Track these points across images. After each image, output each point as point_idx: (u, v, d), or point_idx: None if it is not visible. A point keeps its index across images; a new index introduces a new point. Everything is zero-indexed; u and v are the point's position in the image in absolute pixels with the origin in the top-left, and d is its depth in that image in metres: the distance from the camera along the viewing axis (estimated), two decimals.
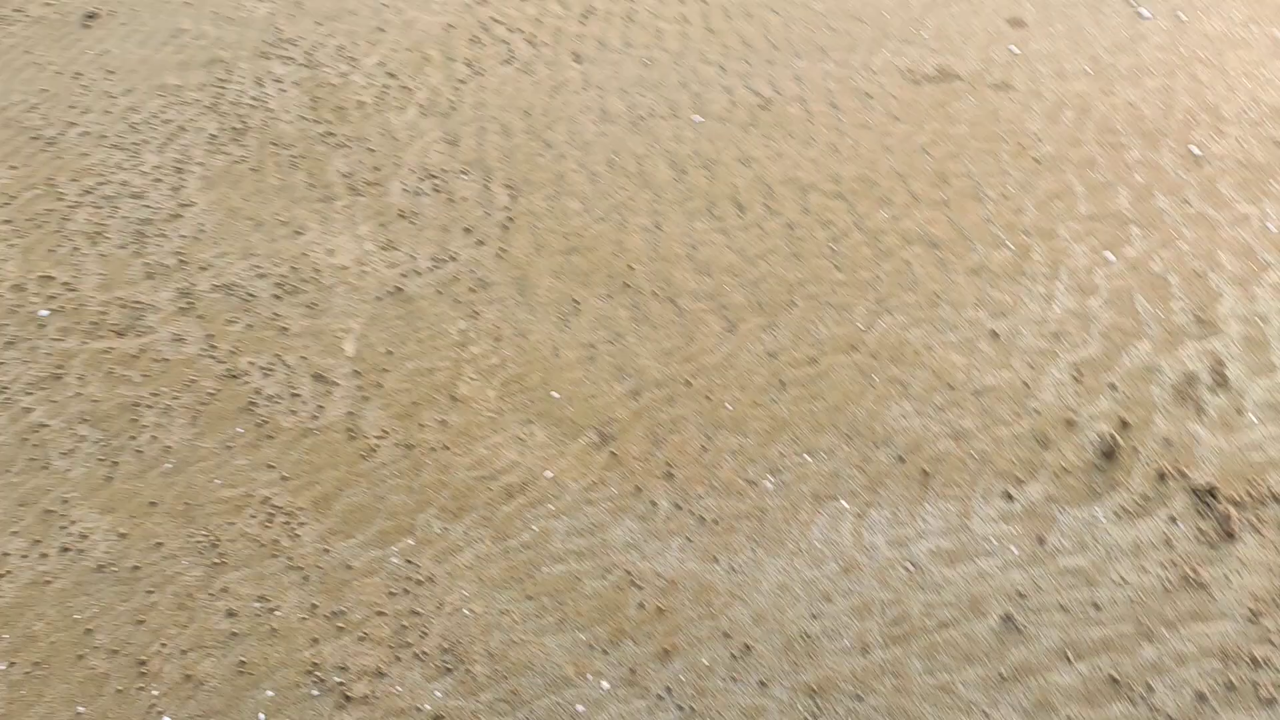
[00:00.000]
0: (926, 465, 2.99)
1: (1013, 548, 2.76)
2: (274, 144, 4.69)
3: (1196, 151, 3.96)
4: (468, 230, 4.03)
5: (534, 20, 5.46)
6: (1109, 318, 3.36)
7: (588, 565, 2.82)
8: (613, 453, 3.12)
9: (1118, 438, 2.98)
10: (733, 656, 2.56)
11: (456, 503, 3.01)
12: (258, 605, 2.77)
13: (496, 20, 5.50)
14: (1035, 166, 4.00)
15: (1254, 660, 2.44)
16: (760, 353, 3.39)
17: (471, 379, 3.40)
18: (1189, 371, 3.17)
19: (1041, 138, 4.14)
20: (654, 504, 2.97)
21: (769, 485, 2.99)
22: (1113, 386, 3.15)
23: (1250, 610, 2.55)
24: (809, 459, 3.06)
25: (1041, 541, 2.78)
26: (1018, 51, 4.68)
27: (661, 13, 5.35)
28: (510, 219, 4.06)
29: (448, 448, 3.18)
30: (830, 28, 5.03)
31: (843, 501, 2.93)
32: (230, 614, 2.75)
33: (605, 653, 2.60)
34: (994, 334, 3.36)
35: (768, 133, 4.35)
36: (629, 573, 2.79)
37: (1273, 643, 2.47)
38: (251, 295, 3.83)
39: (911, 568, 2.74)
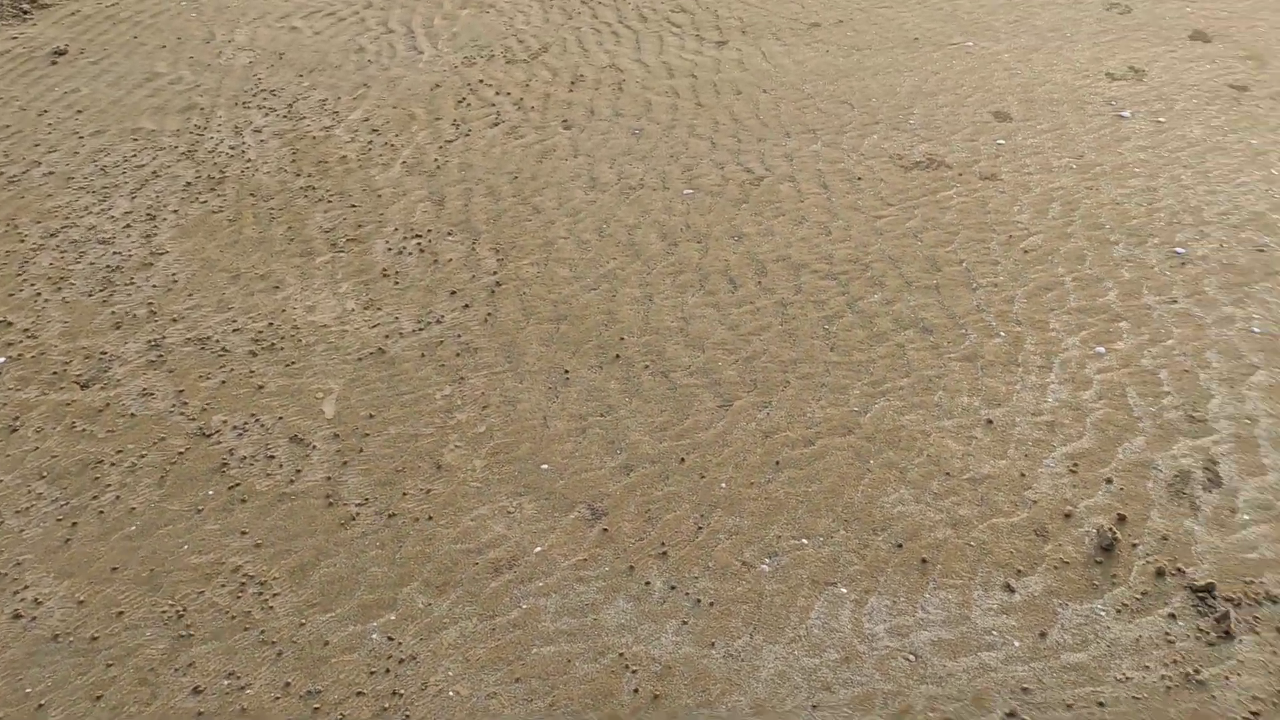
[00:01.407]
0: (925, 553, 2.93)
1: (1015, 641, 2.70)
2: (253, 195, 4.59)
3: (1181, 251, 4.02)
4: (454, 293, 3.95)
5: (522, 85, 5.45)
6: (1102, 411, 3.36)
7: (579, 647, 2.70)
8: (605, 529, 3.02)
9: (1115, 532, 2.95)
10: None
11: (441, 577, 2.88)
12: (227, 682, 2.61)
13: (484, 83, 5.48)
14: (1025, 257, 4.02)
15: None
16: (755, 431, 3.32)
17: (457, 447, 3.29)
18: (1183, 468, 3.16)
19: (1030, 229, 4.18)
20: (648, 584, 2.87)
21: (766, 568, 2.90)
22: (1109, 480, 3.13)
23: (1251, 712, 2.51)
24: (806, 542, 2.98)
25: (1043, 636, 2.72)
26: (1004, 144, 4.75)
27: (651, 85, 5.36)
28: (498, 283, 3.99)
29: (432, 518, 3.06)
30: (819, 109, 5.07)
31: (842, 588, 2.85)
32: (196, 691, 2.58)
33: None
34: (989, 422, 3.33)
35: (759, 209, 4.35)
36: (622, 655, 2.68)
37: None
38: (226, 350, 3.70)
39: (913, 658, 2.66)
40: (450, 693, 2.58)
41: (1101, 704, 2.55)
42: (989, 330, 3.68)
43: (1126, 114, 4.94)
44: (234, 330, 3.79)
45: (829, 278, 3.95)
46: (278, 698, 2.57)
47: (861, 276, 3.94)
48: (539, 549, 2.96)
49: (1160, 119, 4.90)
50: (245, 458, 3.26)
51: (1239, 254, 4.00)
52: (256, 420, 3.40)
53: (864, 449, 3.26)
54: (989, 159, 4.61)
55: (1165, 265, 3.95)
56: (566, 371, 3.57)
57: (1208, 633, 2.72)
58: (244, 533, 3.02)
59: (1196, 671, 2.62)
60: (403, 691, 2.58)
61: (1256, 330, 3.64)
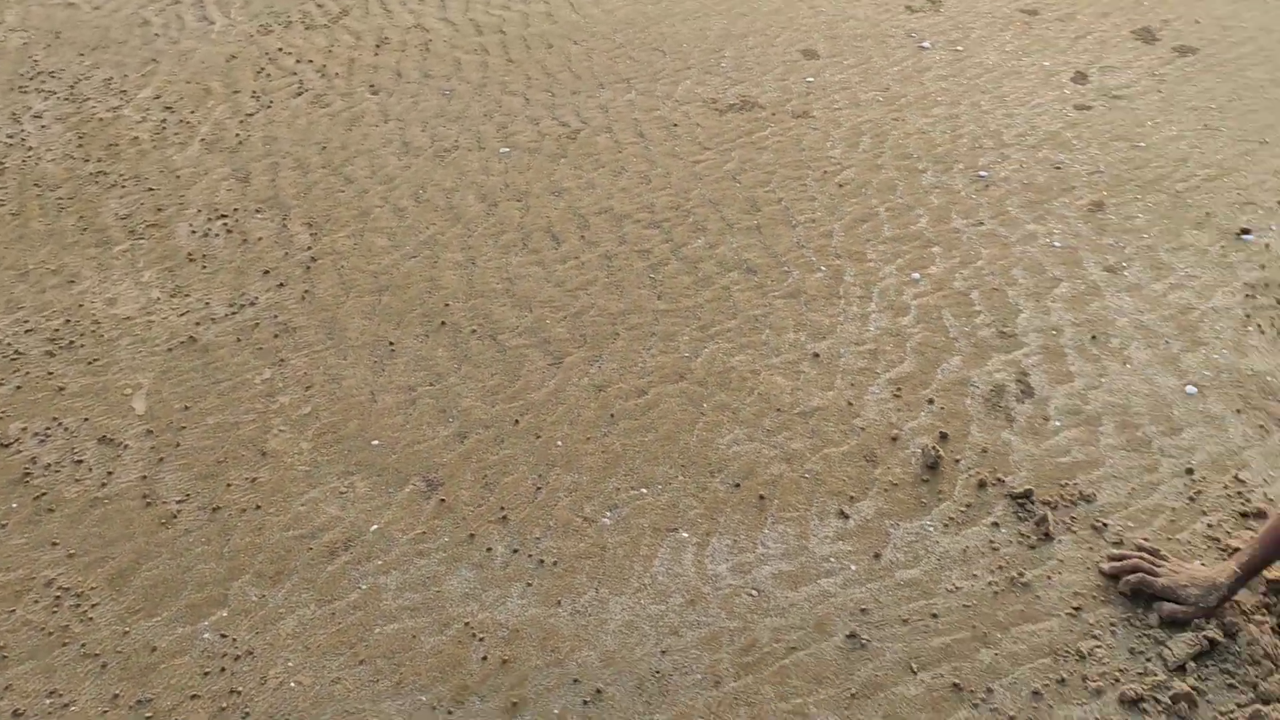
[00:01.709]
0: (762, 490, 2.98)
1: (851, 565, 2.78)
2: (37, 185, 4.28)
3: (984, 174, 4.18)
4: (267, 272, 3.78)
5: (324, 51, 5.23)
6: (921, 335, 3.47)
7: (423, 621, 2.64)
8: (442, 500, 2.96)
9: (939, 450, 3.06)
10: (584, 703, 2.45)
11: (274, 566, 2.77)
12: (49, 701, 2.45)
13: (284, 51, 5.23)
14: (840, 191, 4.11)
15: (1080, 654, 2.53)
16: (588, 386, 3.31)
17: (282, 431, 3.16)
18: (998, 383, 3.30)
19: (843, 163, 4.27)
20: (490, 550, 2.83)
21: (607, 521, 2.90)
22: (930, 401, 3.24)
23: (1072, 607, 2.65)
24: (645, 492, 2.99)
25: (878, 557, 2.81)
26: (813, 81, 4.82)
27: (459, 43, 5.23)
28: (313, 259, 3.84)
29: (260, 507, 2.93)
30: (631, 58, 5.04)
31: (683, 532, 2.88)
32: (17, 715, 2.42)
33: (450, 713, 2.43)
34: (816, 356, 3.41)
35: (578, 163, 4.30)
36: (468, 625, 2.64)
37: (1095, 636, 2.57)
38: (19, 353, 3.45)
39: (756, 593, 2.71)
40: (292, 684, 2.50)
41: (935, 615, 2.65)
42: (810, 266, 3.75)
43: (926, 44, 5.09)
44: (27, 331, 3.53)
45: (652, 226, 3.95)
46: (105, 711, 2.43)
47: (684, 223, 3.96)
48: (375, 527, 2.88)
49: (958, 47, 5.06)
50: (50, 465, 3.06)
51: (1038, 173, 4.18)
52: (59, 424, 3.19)
53: (696, 394, 3.29)
54: (800, 97, 4.68)
55: (971, 189, 4.11)
56: (391, 343, 3.47)
57: (1029, 537, 2.85)
58: (55, 544, 2.83)
59: (1021, 574, 2.75)
60: (240, 689, 2.48)
61: (1057, 244, 3.82)
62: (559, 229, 3.95)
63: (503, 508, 2.94)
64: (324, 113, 4.71)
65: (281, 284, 3.72)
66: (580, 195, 4.12)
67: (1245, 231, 3.86)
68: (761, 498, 2.97)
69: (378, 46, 5.24)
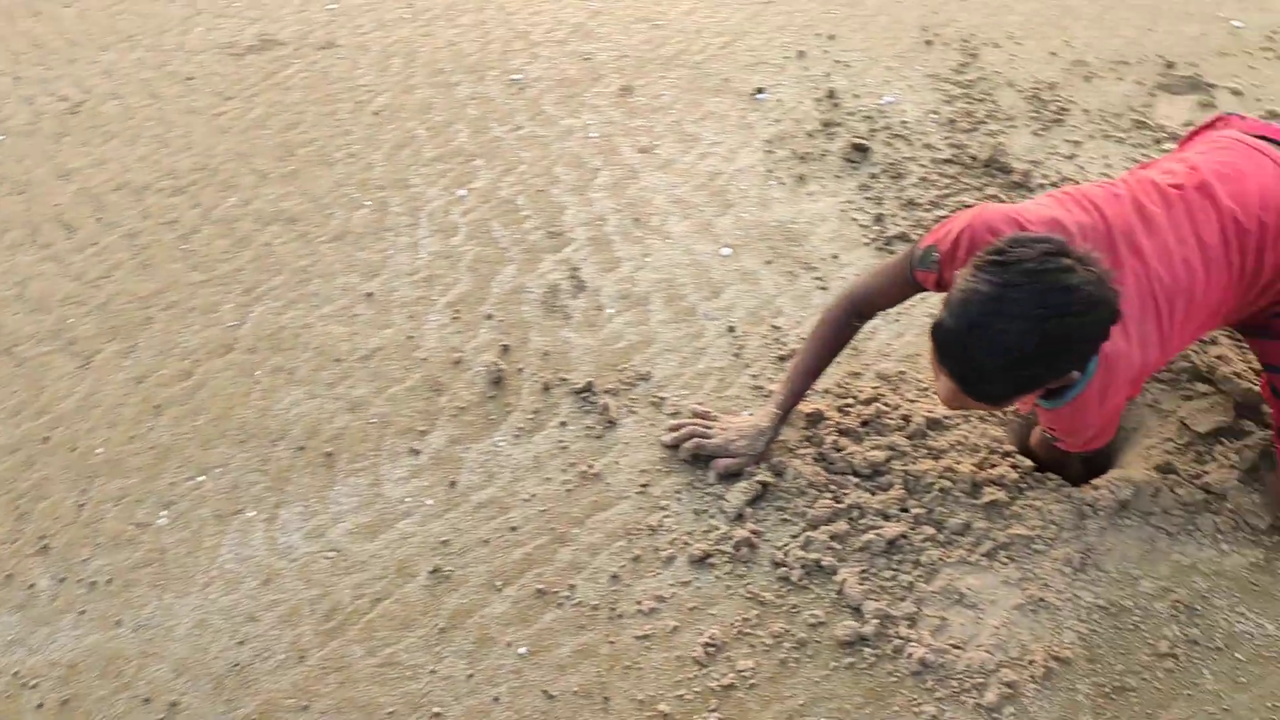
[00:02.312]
0: (329, 446, 2.89)
1: (428, 500, 2.76)
2: None
3: (518, 77, 4.18)
4: None
5: None
6: (473, 251, 3.46)
7: None
8: None
9: (500, 364, 3.08)
10: None
11: None
12: None
13: None
14: (375, 119, 3.98)
15: (651, 528, 2.66)
16: (124, 382, 3.05)
17: None
18: (551, 283, 3.35)
19: (376, 90, 4.13)
20: (33, 587, 2.57)
21: (164, 522, 2.71)
22: (489, 316, 3.25)
23: (640, 485, 2.77)
24: (204, 479, 2.82)
25: (453, 485, 2.80)
26: (335, 7, 4.61)
27: None
28: None
29: None
30: (135, 13, 4.61)
31: (249, 512, 2.74)
32: None
33: None
34: (369, 295, 3.31)
35: (84, 139, 3.90)
36: (18, 674, 2.39)
37: (663, 508, 2.70)
38: None
39: (334, 554, 2.64)
40: None
41: (514, 528, 2.68)
42: (354, 203, 3.63)
43: None
44: None
45: (177, 193, 3.66)
46: None
47: (212, 183, 3.70)
48: None
49: None
50: None
51: (568, 67, 4.24)
52: None
53: (247, 362, 3.12)
54: (323, 27, 4.47)
55: (506, 94, 4.10)
56: None
57: (594, 428, 2.94)
58: None
59: (590, 467, 2.83)
60: None
61: (594, 135, 3.91)
62: (71, 216, 3.58)
63: (42, 536, 2.68)
64: None
65: None
66: (92, 174, 3.75)
67: (759, 91, 4.11)
68: (329, 455, 2.87)
69: None
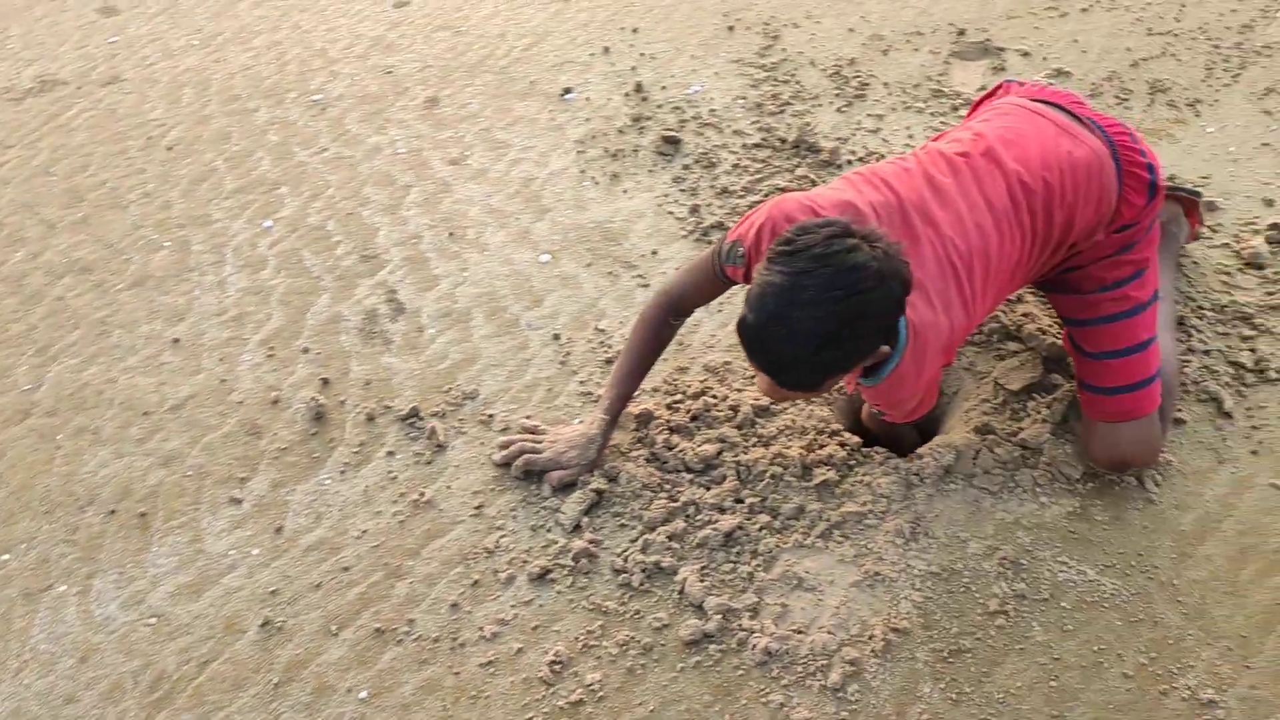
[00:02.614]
0: (142, 506, 2.74)
1: (254, 550, 2.65)
2: None
3: (319, 98, 4.05)
4: None
5: None
6: (284, 284, 3.33)
7: None
8: None
9: (321, 398, 2.98)
10: None
11: None
12: None
13: None
14: (170, 155, 3.80)
15: (488, 550, 2.60)
16: None
17: None
18: (369, 309, 3.26)
19: (168, 124, 3.94)
20: None
21: None
22: (306, 350, 3.14)
23: (474, 507, 2.71)
24: (8, 557, 2.64)
25: (279, 531, 2.69)
26: (118, 40, 4.38)
27: None
28: None
29: None
30: None
31: (60, 586, 2.58)
32: None
33: None
34: (176, 341, 3.16)
35: None
36: None
37: (499, 528, 2.65)
38: None
39: (155, 620, 2.51)
40: None
41: (346, 568, 2.60)
42: (152, 245, 3.45)
43: None
44: None
45: None
46: None
47: None
48: None
49: None
50: None
51: (370, 82, 4.13)
52: None
53: (47, 426, 2.94)
54: (106, 61, 4.24)
55: (308, 116, 3.97)
56: None
57: (423, 454, 2.87)
58: None
59: (422, 494, 2.76)
60: None
61: (402, 151, 3.81)
62: None
63: None
64: None
65: None
66: None
67: (567, 91, 4.08)
68: (143, 515, 2.73)
69: None
